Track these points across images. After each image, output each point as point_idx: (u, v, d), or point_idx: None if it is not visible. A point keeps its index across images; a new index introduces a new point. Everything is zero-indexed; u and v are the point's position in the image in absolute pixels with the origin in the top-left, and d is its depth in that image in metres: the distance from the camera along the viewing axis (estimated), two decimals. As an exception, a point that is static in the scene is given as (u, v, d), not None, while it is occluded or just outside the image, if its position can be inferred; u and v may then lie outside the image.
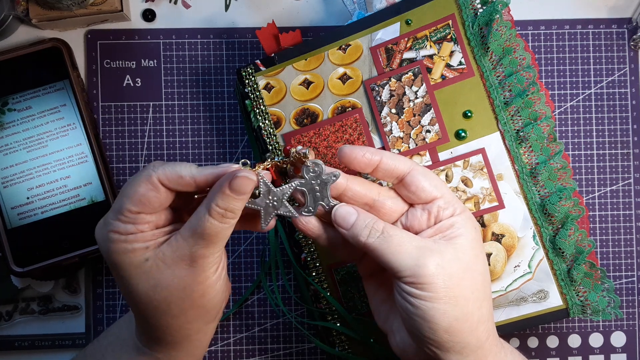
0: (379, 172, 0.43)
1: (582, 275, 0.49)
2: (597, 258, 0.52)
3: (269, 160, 0.43)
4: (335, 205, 0.42)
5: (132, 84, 0.56)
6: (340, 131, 0.51)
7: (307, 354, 0.56)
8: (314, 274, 0.52)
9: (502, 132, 0.50)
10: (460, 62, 0.50)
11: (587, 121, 0.57)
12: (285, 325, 0.56)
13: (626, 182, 0.56)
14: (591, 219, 0.56)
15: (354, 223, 0.42)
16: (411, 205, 0.44)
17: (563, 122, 0.57)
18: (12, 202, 0.53)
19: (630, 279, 0.56)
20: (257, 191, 0.42)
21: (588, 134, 0.57)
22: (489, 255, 0.50)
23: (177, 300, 0.41)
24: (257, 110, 0.51)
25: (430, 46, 0.50)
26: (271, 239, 0.53)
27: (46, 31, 0.56)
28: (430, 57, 0.50)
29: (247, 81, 0.51)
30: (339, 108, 0.51)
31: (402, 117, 0.50)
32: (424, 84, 0.50)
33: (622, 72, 0.57)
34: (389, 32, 0.50)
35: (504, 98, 0.50)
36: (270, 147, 0.51)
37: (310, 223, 0.43)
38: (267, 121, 0.51)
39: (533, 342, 0.56)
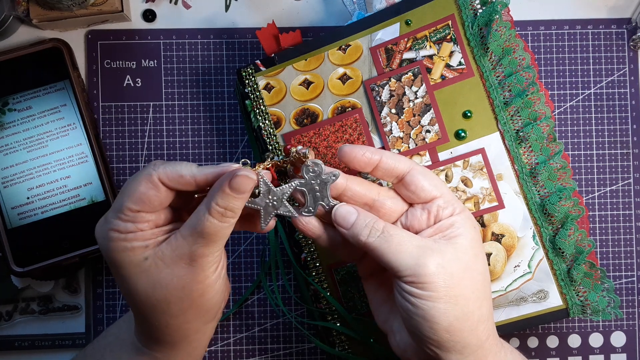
0: (378, 172, 0.43)
1: (582, 275, 0.50)
2: (597, 258, 0.52)
3: (269, 160, 0.43)
4: (335, 205, 0.42)
5: (132, 84, 0.56)
6: (340, 131, 0.51)
7: (307, 354, 0.56)
8: (314, 274, 0.52)
9: (502, 132, 0.50)
10: (460, 62, 0.50)
11: (587, 121, 0.57)
12: (285, 325, 0.56)
13: (626, 182, 0.57)
14: (591, 219, 0.56)
15: (354, 222, 0.42)
16: (411, 205, 0.44)
17: (563, 122, 0.57)
18: (12, 202, 0.53)
19: (630, 279, 0.56)
20: (257, 191, 0.42)
21: (588, 134, 0.57)
22: (488, 255, 0.50)
23: (176, 300, 0.41)
24: (257, 110, 0.51)
25: (430, 46, 0.50)
26: (271, 239, 0.53)
27: (47, 31, 0.56)
28: (430, 57, 0.50)
29: (247, 81, 0.51)
30: (339, 108, 0.51)
31: (402, 117, 0.50)
32: (424, 84, 0.50)
33: (621, 72, 0.57)
34: (389, 32, 0.50)
35: (503, 98, 0.50)
36: (270, 147, 0.51)
37: (310, 223, 0.43)
38: (267, 121, 0.51)
39: (533, 342, 0.56)
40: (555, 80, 0.57)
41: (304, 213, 0.43)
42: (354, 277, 0.52)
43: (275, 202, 0.42)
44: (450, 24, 0.50)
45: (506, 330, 0.50)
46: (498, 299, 0.50)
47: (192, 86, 0.56)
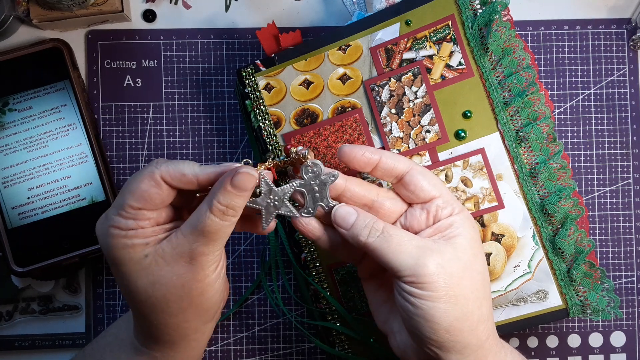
0: (378, 171, 0.43)
1: (582, 275, 0.50)
2: (596, 258, 0.52)
3: (270, 160, 0.43)
4: (334, 205, 0.43)
5: (132, 84, 0.56)
6: (340, 131, 0.51)
7: (307, 354, 0.56)
8: (314, 274, 0.52)
9: (502, 132, 0.50)
10: (459, 62, 0.50)
11: (587, 121, 0.57)
12: (285, 325, 0.56)
13: (625, 182, 0.57)
14: (591, 219, 0.56)
15: (353, 223, 0.42)
16: (410, 205, 0.44)
17: (562, 122, 0.57)
18: (12, 202, 0.53)
19: (629, 279, 0.56)
20: (258, 190, 0.42)
21: (587, 134, 0.57)
22: (488, 255, 0.50)
23: (175, 298, 0.41)
24: (257, 111, 0.51)
25: (430, 46, 0.50)
26: (271, 239, 0.53)
27: (47, 31, 0.56)
28: (430, 57, 0.50)
29: (247, 81, 0.51)
30: (339, 108, 0.51)
31: (401, 117, 0.50)
32: (424, 84, 0.50)
33: (621, 72, 0.57)
34: (389, 32, 0.51)
35: (503, 98, 0.50)
36: (270, 147, 0.51)
37: (310, 224, 0.43)
38: (267, 121, 0.51)
39: (533, 342, 0.56)
40: (555, 80, 0.57)
41: (303, 214, 0.43)
42: (354, 277, 0.52)
43: (276, 202, 0.42)
44: (450, 24, 0.50)
45: (506, 330, 0.50)
46: (498, 299, 0.50)
47: (192, 86, 0.56)
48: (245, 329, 0.56)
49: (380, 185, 0.48)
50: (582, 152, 0.57)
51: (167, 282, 0.41)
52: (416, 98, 0.50)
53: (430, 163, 0.50)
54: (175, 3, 0.57)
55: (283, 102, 0.51)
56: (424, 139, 0.50)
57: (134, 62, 0.56)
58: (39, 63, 0.54)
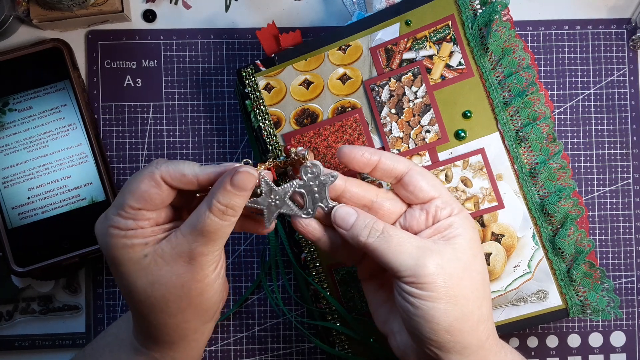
0: (377, 172, 0.43)
1: (582, 275, 0.50)
2: (596, 258, 0.52)
3: (270, 160, 0.43)
4: (334, 206, 0.43)
5: (132, 84, 0.56)
6: (340, 131, 0.51)
7: (307, 354, 0.56)
8: (314, 274, 0.52)
9: (502, 132, 0.50)
10: (459, 62, 0.50)
11: (587, 121, 0.57)
12: (285, 325, 0.56)
13: (625, 182, 0.57)
14: (591, 219, 0.56)
15: (353, 223, 0.42)
16: (409, 205, 0.44)
17: (562, 122, 0.57)
18: (12, 202, 0.53)
19: (629, 279, 0.56)
20: (258, 190, 0.42)
21: (587, 134, 0.57)
22: (488, 255, 0.50)
23: (174, 298, 0.41)
24: (257, 111, 0.51)
25: (430, 47, 0.50)
26: (271, 239, 0.53)
27: (47, 31, 0.56)
28: (430, 57, 0.50)
29: (247, 81, 0.51)
30: (339, 108, 0.51)
31: (401, 117, 0.50)
32: (424, 84, 0.50)
33: (621, 72, 0.57)
34: (389, 32, 0.51)
35: (503, 98, 0.50)
36: (270, 147, 0.51)
37: (310, 226, 0.43)
38: (267, 121, 0.51)
39: (533, 342, 0.56)
40: (555, 80, 0.57)
41: (303, 215, 0.43)
42: (354, 277, 0.52)
43: (277, 202, 0.42)
44: (450, 24, 0.50)
45: (506, 330, 0.50)
46: (498, 299, 0.50)
47: (192, 86, 0.56)
48: (245, 329, 0.56)
49: (379, 185, 0.48)
50: (582, 152, 0.57)
51: (167, 282, 0.41)
52: (416, 98, 0.50)
53: (430, 163, 0.50)
54: (175, 3, 0.57)
55: (283, 102, 0.51)
56: (424, 139, 0.50)
57: (134, 62, 0.56)
58: (39, 63, 0.54)
